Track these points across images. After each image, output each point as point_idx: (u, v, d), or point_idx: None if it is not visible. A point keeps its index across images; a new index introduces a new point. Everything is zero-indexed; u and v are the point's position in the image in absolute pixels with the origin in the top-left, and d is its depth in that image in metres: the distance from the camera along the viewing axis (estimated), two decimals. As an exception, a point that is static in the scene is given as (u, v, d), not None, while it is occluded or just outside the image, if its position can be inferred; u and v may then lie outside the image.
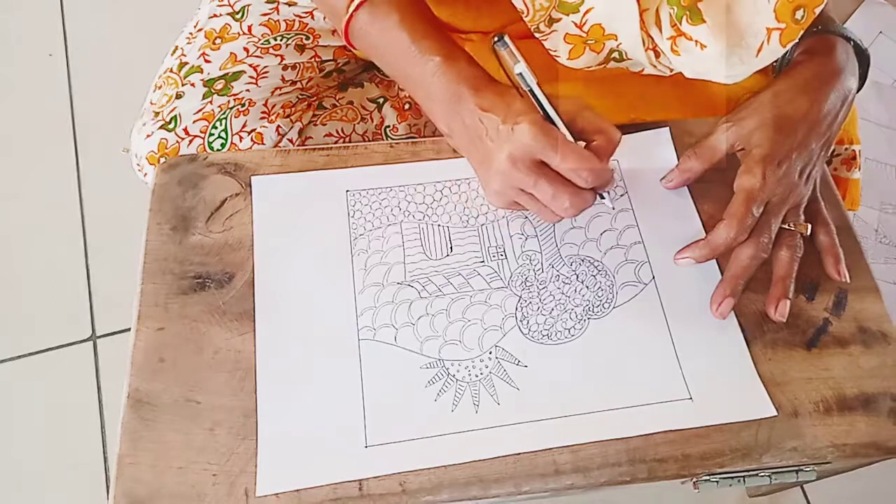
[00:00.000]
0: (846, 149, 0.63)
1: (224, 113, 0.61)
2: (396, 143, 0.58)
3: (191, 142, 0.60)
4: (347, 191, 0.55)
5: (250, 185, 0.55)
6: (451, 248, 0.53)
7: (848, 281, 0.52)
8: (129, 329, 0.49)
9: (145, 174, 0.61)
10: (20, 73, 1.19)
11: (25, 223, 1.05)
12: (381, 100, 0.69)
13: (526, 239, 0.54)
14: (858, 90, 0.55)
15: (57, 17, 1.25)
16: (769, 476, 0.47)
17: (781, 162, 0.50)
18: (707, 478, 0.47)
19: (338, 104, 0.67)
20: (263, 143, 0.60)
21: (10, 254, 1.02)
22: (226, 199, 0.54)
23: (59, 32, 1.23)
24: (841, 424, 0.47)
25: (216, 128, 0.60)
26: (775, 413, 0.47)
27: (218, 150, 0.60)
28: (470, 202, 0.55)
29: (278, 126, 0.61)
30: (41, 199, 1.07)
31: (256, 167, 0.56)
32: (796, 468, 0.47)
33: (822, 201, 0.54)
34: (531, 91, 0.47)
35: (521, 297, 0.51)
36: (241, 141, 0.60)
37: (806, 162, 0.52)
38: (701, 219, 0.55)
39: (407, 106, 0.69)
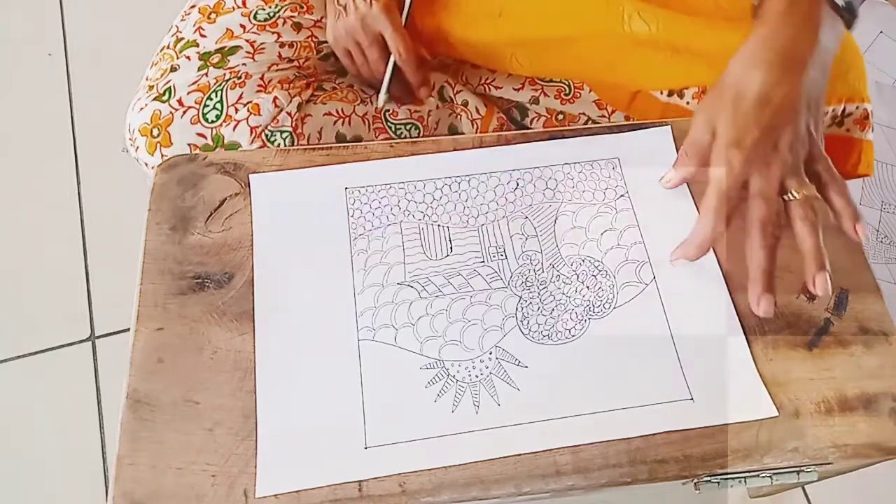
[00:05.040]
0: (857, 107, 0.60)
1: (220, 85, 0.60)
2: (396, 143, 0.58)
3: (185, 113, 0.59)
4: (347, 188, 0.55)
5: (249, 185, 0.55)
6: (451, 248, 0.53)
7: (864, 242, 0.51)
8: (128, 329, 0.49)
9: (137, 148, 0.61)
10: (20, 73, 1.19)
11: (24, 223, 1.05)
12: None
13: (526, 239, 0.54)
14: (850, 27, 0.53)
15: (57, 17, 1.25)
16: (770, 477, 0.47)
17: (744, 142, 0.49)
18: (708, 479, 0.47)
19: (337, 87, 0.67)
20: (260, 115, 0.60)
21: (10, 254, 1.02)
22: (225, 198, 0.54)
23: (59, 32, 1.23)
24: (842, 425, 0.47)
25: (211, 99, 0.60)
26: (776, 413, 0.47)
27: (213, 121, 0.59)
28: (470, 201, 0.55)
29: (275, 97, 0.60)
30: (40, 199, 1.07)
31: (256, 167, 0.56)
32: (797, 469, 0.47)
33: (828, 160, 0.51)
34: None
35: (521, 297, 0.51)
36: (236, 112, 0.59)
37: (781, 131, 0.50)
38: (702, 219, 0.54)
39: None
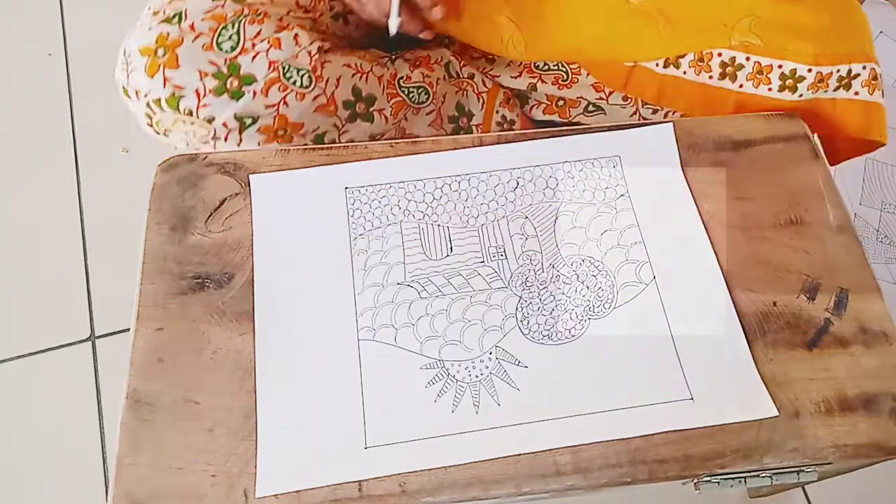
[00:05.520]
0: (864, 67, 0.59)
1: (238, 18, 0.57)
2: (396, 143, 0.58)
3: (196, 37, 0.56)
4: (347, 188, 0.55)
5: (249, 185, 0.55)
6: (451, 248, 0.53)
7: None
8: (128, 329, 0.49)
9: (133, 71, 0.57)
10: (20, 73, 1.19)
11: (24, 223, 1.04)
12: (392, 55, 0.69)
13: (526, 239, 0.54)
14: None
15: (57, 18, 1.25)
16: (770, 477, 0.47)
17: None
18: (708, 479, 0.47)
19: (355, 50, 0.66)
20: (281, 49, 0.57)
21: (9, 253, 1.02)
22: (225, 198, 0.54)
23: (59, 32, 1.23)
24: (842, 425, 0.47)
25: (227, 30, 0.57)
26: (776, 413, 0.47)
27: (227, 51, 0.56)
28: (470, 201, 0.55)
29: (297, 35, 0.58)
30: (40, 199, 1.06)
31: (256, 167, 0.56)
32: (797, 469, 0.47)
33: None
34: None
35: (521, 297, 0.51)
36: (253, 47, 0.57)
37: None
38: (701, 218, 0.54)
39: (418, 63, 0.69)
